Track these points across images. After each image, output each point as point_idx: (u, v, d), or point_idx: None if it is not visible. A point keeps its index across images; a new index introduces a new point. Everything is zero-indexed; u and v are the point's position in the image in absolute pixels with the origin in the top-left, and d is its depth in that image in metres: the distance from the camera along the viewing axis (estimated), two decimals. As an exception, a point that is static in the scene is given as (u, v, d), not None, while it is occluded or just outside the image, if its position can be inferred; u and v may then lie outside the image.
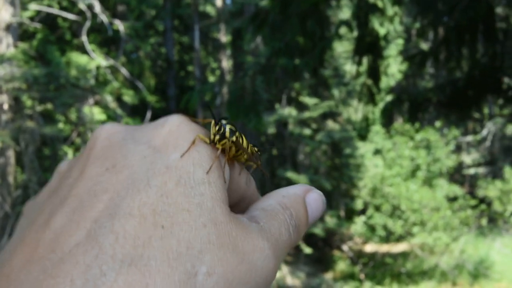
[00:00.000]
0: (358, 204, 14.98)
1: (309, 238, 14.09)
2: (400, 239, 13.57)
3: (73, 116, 11.05)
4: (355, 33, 6.65)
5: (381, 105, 8.38)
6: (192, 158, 0.45)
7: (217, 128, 0.52)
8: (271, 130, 14.80)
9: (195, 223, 0.40)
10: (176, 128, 0.48)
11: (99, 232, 0.38)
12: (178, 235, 0.39)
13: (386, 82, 14.81)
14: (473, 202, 13.79)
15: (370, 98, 6.74)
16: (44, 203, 0.45)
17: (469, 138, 18.65)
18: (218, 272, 0.39)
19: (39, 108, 10.62)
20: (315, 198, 0.52)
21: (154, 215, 0.40)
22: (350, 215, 15.15)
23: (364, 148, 14.97)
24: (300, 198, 0.51)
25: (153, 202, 0.40)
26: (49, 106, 10.63)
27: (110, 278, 0.35)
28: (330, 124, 14.73)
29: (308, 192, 0.52)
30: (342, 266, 14.19)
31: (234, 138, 0.53)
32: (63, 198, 0.43)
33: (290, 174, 13.53)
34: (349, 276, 13.57)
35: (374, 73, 6.55)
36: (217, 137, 0.51)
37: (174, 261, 0.38)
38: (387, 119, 12.98)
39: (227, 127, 0.53)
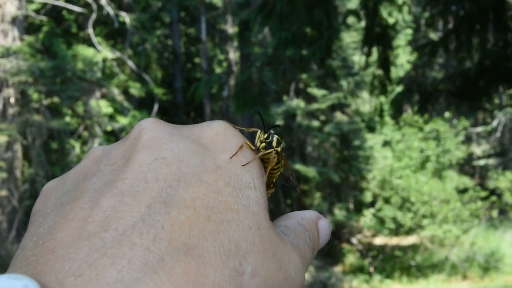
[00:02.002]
0: (367, 197, 14.97)
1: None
2: (409, 231, 13.53)
3: (80, 109, 11.04)
4: (363, 23, 6.59)
5: (390, 96, 8.32)
6: (240, 161, 0.47)
7: (265, 136, 0.54)
8: (279, 121, 14.76)
9: (242, 223, 0.42)
10: (223, 131, 0.49)
11: (154, 217, 0.38)
12: (228, 232, 0.40)
13: (395, 72, 14.72)
14: (483, 193, 13.74)
15: (382, 89, 6.69)
16: (82, 184, 0.45)
17: (479, 129, 18.55)
18: (260, 274, 0.40)
19: (45, 101, 10.63)
20: (324, 226, 0.54)
21: (206, 210, 0.41)
22: (359, 207, 15.13)
23: (373, 140, 14.93)
24: (315, 223, 0.53)
25: (205, 197, 0.41)
26: (55, 99, 10.64)
27: (168, 264, 0.36)
28: (339, 115, 14.68)
29: (319, 219, 0.54)
30: (351, 259, 14.18)
31: (279, 149, 0.54)
32: (109, 181, 0.43)
33: (299, 166, 13.48)
34: (359, 269, 13.56)
35: (384, 63, 6.49)
36: (263, 144, 0.53)
37: (225, 256, 0.39)
38: (397, 110, 12.90)
39: (275, 137, 0.54)
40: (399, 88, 8.33)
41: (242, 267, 0.39)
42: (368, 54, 6.45)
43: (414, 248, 13.82)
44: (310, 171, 13.45)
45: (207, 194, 0.42)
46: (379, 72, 6.61)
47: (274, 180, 0.56)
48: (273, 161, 0.53)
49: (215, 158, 0.46)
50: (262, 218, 0.44)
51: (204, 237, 0.39)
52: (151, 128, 0.47)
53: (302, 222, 0.52)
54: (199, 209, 0.41)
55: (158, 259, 0.36)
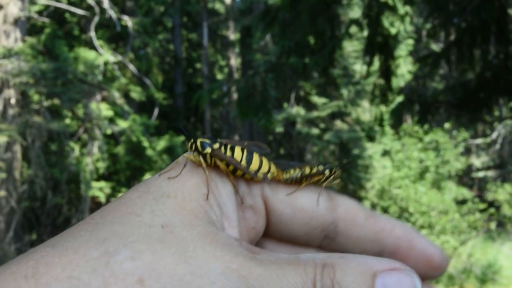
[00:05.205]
0: (366, 206, 14.87)
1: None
2: (407, 241, 13.46)
3: (80, 111, 11.02)
4: (365, 32, 6.58)
5: (390, 106, 8.32)
6: (168, 175, 0.48)
7: (189, 145, 0.53)
8: (279, 129, 14.74)
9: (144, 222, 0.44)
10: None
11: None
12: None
13: (396, 82, 14.70)
14: (482, 205, 13.68)
15: (383, 98, 6.67)
16: None
17: (479, 140, 18.54)
18: (143, 259, 0.40)
19: (46, 103, 10.61)
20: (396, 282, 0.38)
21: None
22: (358, 216, 15.07)
23: (372, 149, 14.90)
24: (367, 274, 0.39)
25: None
26: (56, 101, 10.62)
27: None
28: (339, 124, 14.65)
29: (383, 272, 0.39)
30: (349, 269, 14.13)
31: (208, 150, 0.51)
32: None
33: (297, 174, 13.44)
34: (356, 278, 13.51)
35: (386, 73, 6.47)
36: (195, 153, 0.51)
37: (102, 241, 0.42)
38: (397, 120, 12.93)
39: (198, 141, 0.52)
40: (399, 98, 8.33)
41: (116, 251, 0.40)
42: (370, 63, 6.44)
43: (411, 258, 13.78)
44: (308, 179, 13.42)
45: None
46: (380, 81, 6.59)
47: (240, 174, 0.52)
48: (220, 165, 0.50)
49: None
50: (173, 220, 0.44)
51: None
52: None
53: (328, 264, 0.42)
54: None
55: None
